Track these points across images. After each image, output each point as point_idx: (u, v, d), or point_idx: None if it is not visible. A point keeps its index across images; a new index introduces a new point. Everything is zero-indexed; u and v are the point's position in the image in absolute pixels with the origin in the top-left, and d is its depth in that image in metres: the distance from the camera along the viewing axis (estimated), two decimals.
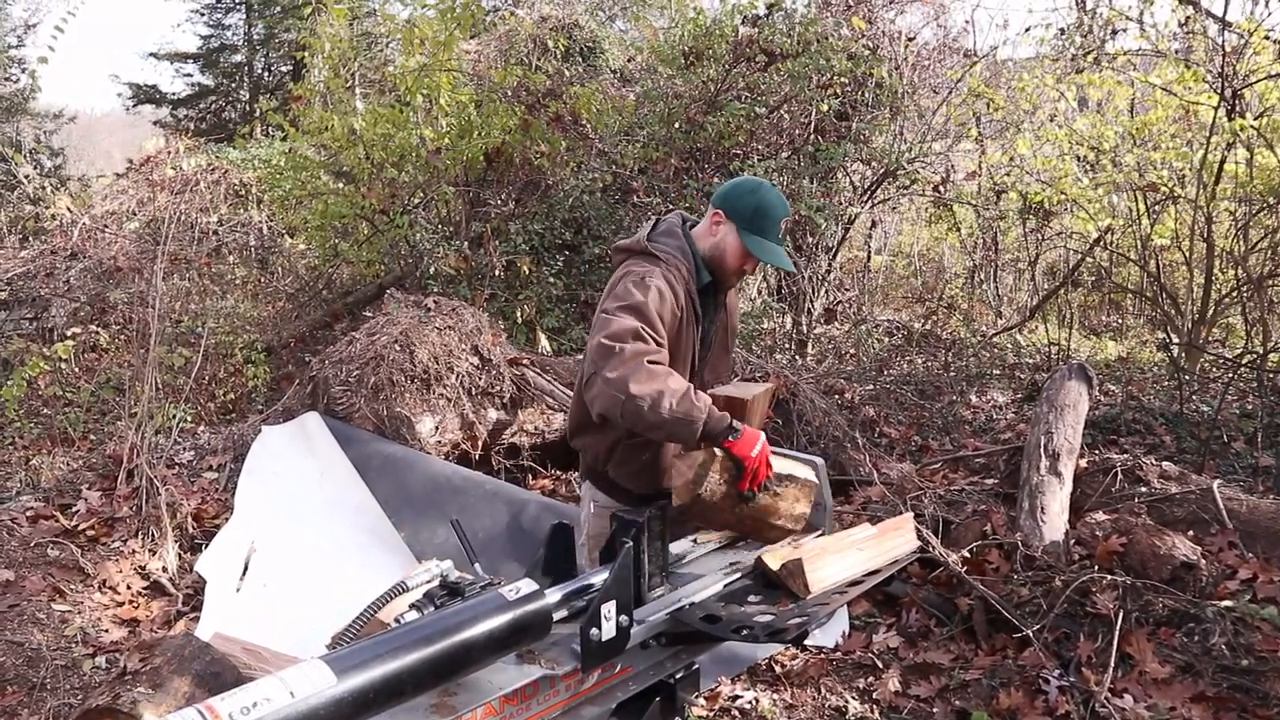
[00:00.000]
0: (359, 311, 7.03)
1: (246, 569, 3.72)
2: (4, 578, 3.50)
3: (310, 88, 7.32)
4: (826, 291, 8.20)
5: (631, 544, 1.66)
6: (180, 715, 1.06)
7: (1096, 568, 3.26)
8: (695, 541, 2.16)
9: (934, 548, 3.51)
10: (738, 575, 1.98)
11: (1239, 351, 6.48)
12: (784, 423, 4.79)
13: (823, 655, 3.40)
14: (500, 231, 6.75)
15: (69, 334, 6.99)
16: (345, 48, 7.01)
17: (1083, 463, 4.13)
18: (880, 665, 3.30)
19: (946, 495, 4.20)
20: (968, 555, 3.57)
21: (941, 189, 8.04)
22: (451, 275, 6.47)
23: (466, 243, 6.69)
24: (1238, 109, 6.03)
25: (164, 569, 3.78)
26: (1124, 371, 6.91)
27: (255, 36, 21.68)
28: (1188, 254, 6.82)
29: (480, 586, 1.51)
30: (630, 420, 2.06)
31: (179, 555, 3.85)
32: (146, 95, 21.31)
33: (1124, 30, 7.35)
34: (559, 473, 4.96)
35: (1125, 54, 7.14)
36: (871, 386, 6.15)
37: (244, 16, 21.63)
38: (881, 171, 7.69)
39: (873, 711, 3.08)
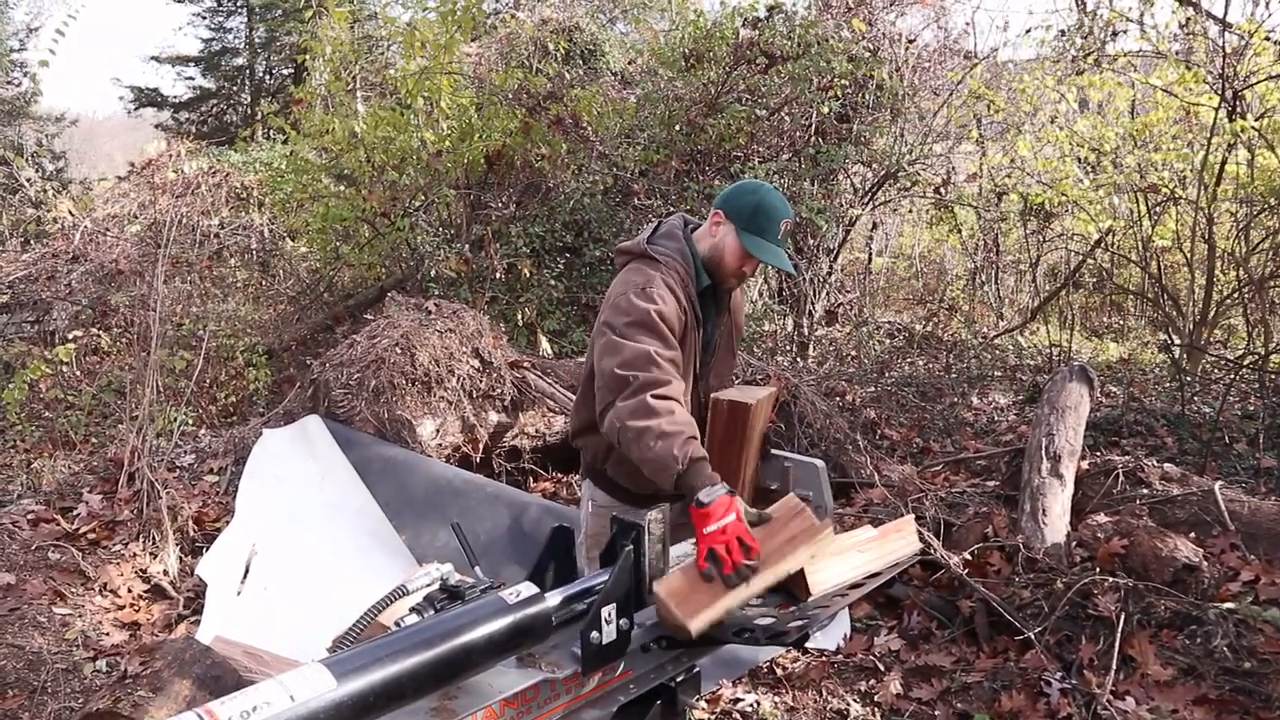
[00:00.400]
0: (360, 314, 7.05)
1: (247, 572, 3.72)
2: (5, 581, 3.49)
3: (311, 91, 7.33)
4: (828, 293, 8.20)
5: (632, 547, 1.66)
6: (180, 719, 1.06)
7: (1098, 570, 3.25)
8: (696, 544, 2.16)
9: (935, 550, 3.51)
10: None
11: (1240, 353, 6.46)
12: (785, 425, 4.80)
13: (824, 658, 3.39)
14: (501, 234, 6.75)
15: (70, 337, 7.02)
16: (346, 51, 7.01)
17: (1084, 464, 4.12)
18: (882, 668, 3.29)
19: (948, 497, 4.20)
20: (969, 557, 3.56)
21: (942, 191, 8.04)
22: (452, 278, 6.48)
23: (467, 245, 6.69)
24: (1238, 110, 6.03)
25: (165, 572, 3.77)
26: (1125, 373, 6.90)
27: (257, 40, 21.77)
28: (1189, 255, 6.81)
29: (481, 590, 1.51)
30: (624, 450, 2.13)
31: (180, 558, 3.84)
32: (148, 98, 21.40)
33: (1124, 31, 7.34)
34: (560, 475, 4.96)
35: (1126, 55, 7.13)
36: (873, 388, 6.14)
37: (245, 20, 21.73)
38: (882, 173, 7.69)
39: (874, 714, 3.07)
